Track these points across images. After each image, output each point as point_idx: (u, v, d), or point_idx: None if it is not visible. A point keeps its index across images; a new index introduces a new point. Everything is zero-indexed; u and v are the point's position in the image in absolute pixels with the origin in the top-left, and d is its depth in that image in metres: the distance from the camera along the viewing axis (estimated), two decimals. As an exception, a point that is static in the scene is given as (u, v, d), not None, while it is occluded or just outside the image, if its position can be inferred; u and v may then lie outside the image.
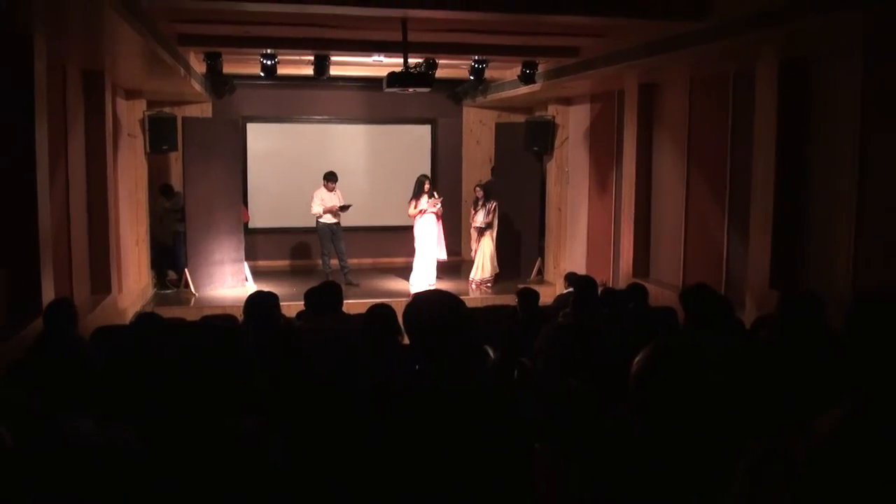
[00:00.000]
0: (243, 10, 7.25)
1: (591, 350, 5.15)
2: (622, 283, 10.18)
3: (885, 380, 1.92)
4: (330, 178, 12.59)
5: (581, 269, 11.94)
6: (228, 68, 10.97)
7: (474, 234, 12.94)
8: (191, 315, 9.54)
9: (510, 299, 9.72)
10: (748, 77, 8.20)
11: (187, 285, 11.95)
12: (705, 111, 9.49)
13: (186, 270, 12.01)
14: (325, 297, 6.08)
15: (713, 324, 4.54)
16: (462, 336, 2.76)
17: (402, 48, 8.94)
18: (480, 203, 12.78)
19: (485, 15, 7.60)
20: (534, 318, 6.89)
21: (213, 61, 10.11)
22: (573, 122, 13.27)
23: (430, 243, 12.51)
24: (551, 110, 13.51)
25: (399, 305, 6.49)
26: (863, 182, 6.92)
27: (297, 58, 10.87)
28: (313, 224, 12.79)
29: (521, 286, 8.15)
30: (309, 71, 10.70)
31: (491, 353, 6.67)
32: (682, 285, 9.14)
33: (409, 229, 12.75)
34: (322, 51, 10.21)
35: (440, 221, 12.61)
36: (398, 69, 9.45)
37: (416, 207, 12.40)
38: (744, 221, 8.33)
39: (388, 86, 9.38)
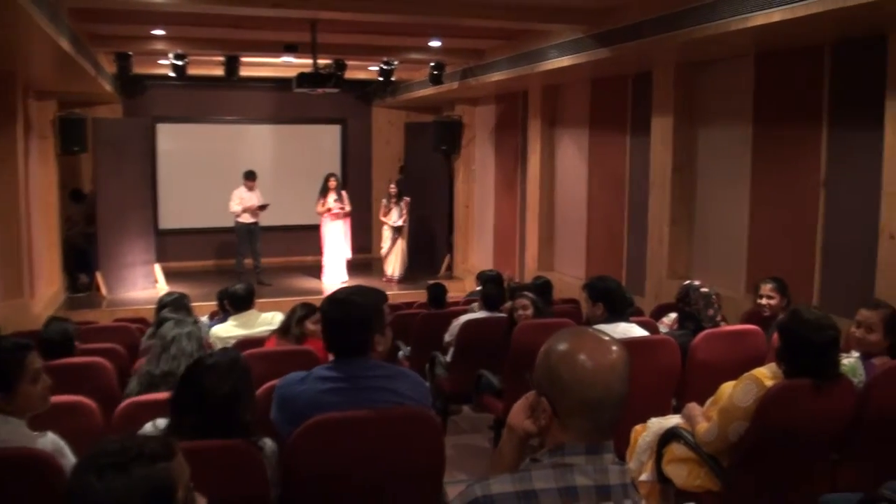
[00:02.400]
0: (154, 10, 7.25)
1: (499, 343, 5.44)
2: (528, 277, 10.52)
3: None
4: (249, 177, 12.57)
5: (489, 264, 12.26)
6: (139, 68, 10.92)
7: (388, 232, 13.05)
8: (103, 318, 9.46)
9: (421, 295, 9.98)
10: (646, 78, 8.61)
11: (99, 288, 11.78)
12: (605, 111, 9.89)
13: (98, 273, 11.84)
14: (237, 297, 6.20)
15: (614, 312, 4.83)
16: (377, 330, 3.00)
17: (312, 49, 9.05)
18: (393, 200, 12.93)
19: (392, 17, 7.78)
20: (443, 312, 7.15)
21: (124, 61, 10.04)
22: (479, 122, 13.60)
23: (337, 242, 12.64)
24: (458, 110, 13.82)
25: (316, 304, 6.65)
26: (755, 174, 7.39)
27: (207, 58, 10.86)
28: (224, 224, 12.79)
29: (430, 281, 8.39)
30: (219, 71, 10.72)
31: (402, 346, 6.87)
32: (585, 277, 9.50)
33: (318, 228, 12.85)
34: (232, 51, 10.24)
35: (348, 220, 12.73)
36: (308, 70, 9.55)
37: (323, 206, 12.48)
38: (643, 215, 8.75)
39: (298, 86, 9.48)
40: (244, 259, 12.74)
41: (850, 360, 3.77)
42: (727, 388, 3.51)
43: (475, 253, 13.72)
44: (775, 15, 5.55)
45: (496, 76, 10.39)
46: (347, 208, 12.59)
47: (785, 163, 7.03)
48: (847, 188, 6.33)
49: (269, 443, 2.89)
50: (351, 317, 2.98)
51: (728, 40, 6.51)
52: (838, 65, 6.42)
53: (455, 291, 11.33)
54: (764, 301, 5.53)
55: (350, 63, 10.96)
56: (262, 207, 12.52)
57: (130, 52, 9.96)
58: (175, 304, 5.69)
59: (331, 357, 3.08)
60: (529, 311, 5.60)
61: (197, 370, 2.84)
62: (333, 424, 2.84)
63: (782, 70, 7.04)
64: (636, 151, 9.15)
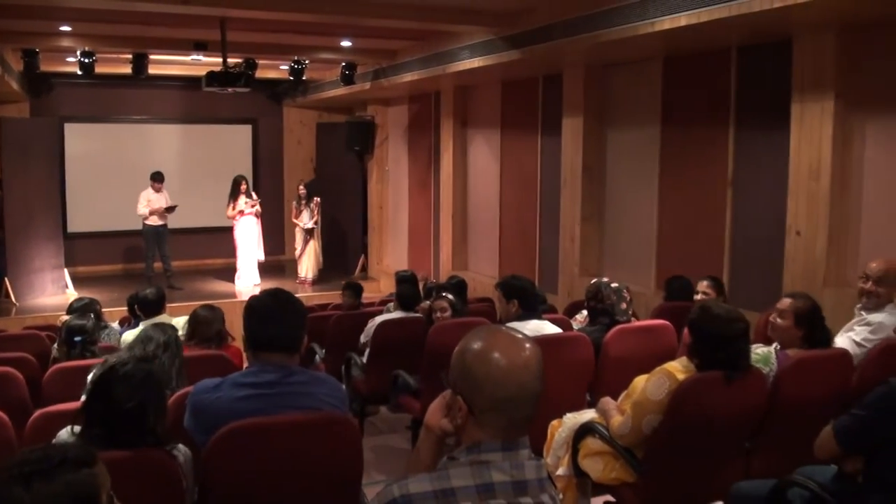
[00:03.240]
0: (61, 5, 7.03)
1: (415, 343, 5.44)
2: (443, 277, 10.56)
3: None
4: (156, 179, 12.28)
5: (403, 265, 12.25)
6: (46, 66, 10.59)
7: (300, 234, 12.94)
8: (13, 326, 9.11)
9: (336, 296, 9.91)
10: (557, 79, 8.73)
11: (8, 295, 11.33)
12: (517, 111, 9.99)
13: (6, 279, 11.39)
14: (147, 302, 6.04)
15: (527, 310, 4.89)
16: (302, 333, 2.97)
17: (222, 47, 8.91)
18: (304, 202, 12.82)
19: (303, 16, 7.72)
20: (359, 313, 7.12)
21: (31, 58, 9.71)
22: (392, 122, 13.59)
23: (250, 244, 12.46)
24: (371, 110, 13.77)
25: (230, 307, 6.54)
26: (663, 173, 7.57)
27: (115, 56, 10.59)
28: (135, 227, 12.48)
29: (345, 280, 8.35)
30: (128, 70, 10.45)
31: (318, 349, 6.80)
32: (498, 276, 9.58)
33: (229, 230, 12.64)
34: (141, 49, 10.01)
35: (260, 222, 12.56)
36: (217, 69, 9.40)
37: (234, 209, 12.30)
38: (554, 213, 8.87)
39: (208, 85, 9.32)
40: (154, 262, 12.44)
41: (763, 349, 3.89)
42: (640, 382, 3.58)
43: (390, 253, 13.71)
44: (682, 19, 5.70)
45: (408, 77, 10.39)
46: (258, 209, 12.41)
47: (693, 162, 7.23)
48: (754, 187, 6.53)
49: (183, 450, 2.83)
50: (288, 308, 2.96)
51: (636, 43, 6.65)
52: (745, 68, 6.63)
53: (370, 292, 11.29)
54: (700, 297, 5.67)
55: (260, 62, 10.83)
56: (170, 209, 12.24)
57: (38, 49, 9.62)
58: (83, 310, 5.51)
59: (246, 363, 3.02)
60: (448, 314, 5.63)
61: (108, 379, 2.76)
62: (249, 431, 2.79)
63: (690, 72, 7.23)
64: (547, 151, 9.27)
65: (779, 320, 3.91)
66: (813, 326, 3.84)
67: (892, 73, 5.41)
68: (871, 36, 5.48)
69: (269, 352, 2.93)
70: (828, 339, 3.91)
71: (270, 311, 2.96)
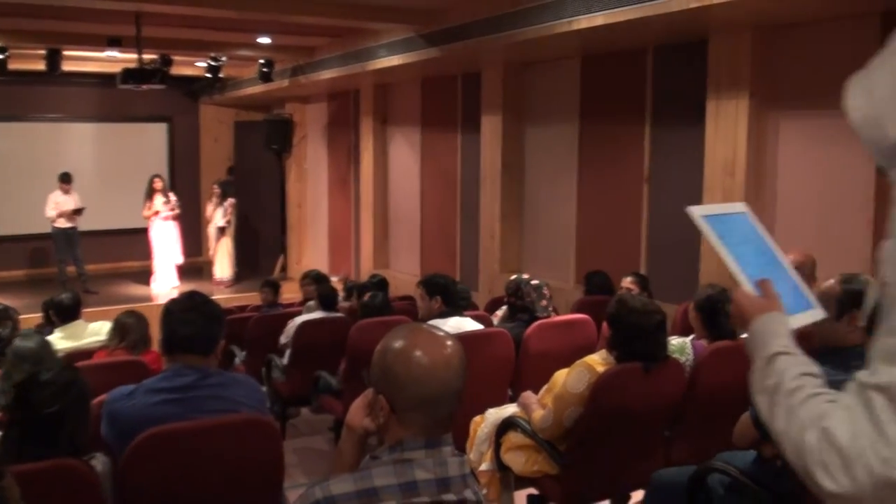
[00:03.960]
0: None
1: (339, 343, 5.40)
2: (364, 276, 10.51)
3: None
4: (64, 180, 11.91)
5: (323, 264, 12.17)
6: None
7: (213, 234, 12.75)
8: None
9: (253, 298, 9.76)
10: (476, 78, 8.77)
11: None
12: (437, 109, 10.01)
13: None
14: (63, 307, 5.85)
15: (448, 306, 4.90)
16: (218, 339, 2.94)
17: (137, 43, 8.72)
18: (217, 201, 12.62)
19: (219, 11, 7.61)
20: (279, 314, 7.03)
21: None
22: (311, 120, 13.47)
23: (166, 246, 12.20)
24: (289, 108, 13.62)
25: (147, 311, 6.39)
26: (582, 170, 7.67)
27: (28, 52, 10.25)
28: (46, 230, 12.07)
29: (264, 279, 8.27)
30: (40, 66, 10.11)
31: (238, 351, 6.70)
32: (420, 274, 9.59)
33: (145, 231, 12.34)
34: (54, 45, 9.70)
35: (177, 223, 12.30)
36: (133, 65, 9.21)
37: (149, 209, 12.02)
38: (475, 211, 8.92)
39: (123, 82, 9.14)
40: (66, 266, 12.08)
41: (678, 340, 3.98)
42: (561, 375, 3.62)
43: (309, 253, 13.58)
44: (598, 19, 5.79)
45: (327, 74, 10.31)
46: (175, 209, 12.15)
47: (611, 159, 7.35)
48: (670, 183, 6.67)
49: (101, 458, 2.76)
50: (203, 310, 2.93)
51: (554, 42, 6.72)
52: (661, 66, 6.76)
53: (290, 293, 11.17)
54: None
55: (176, 59, 10.61)
56: (78, 211, 11.86)
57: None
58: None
59: (164, 367, 2.96)
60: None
61: (29, 384, 2.68)
62: (167, 437, 2.73)
63: (607, 71, 7.35)
64: (467, 149, 9.31)
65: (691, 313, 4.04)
66: (713, 317, 3.93)
67: (805, 72, 5.57)
68: (784, 35, 5.64)
69: (184, 354, 2.88)
70: (733, 330, 4.00)
71: (185, 312, 2.91)
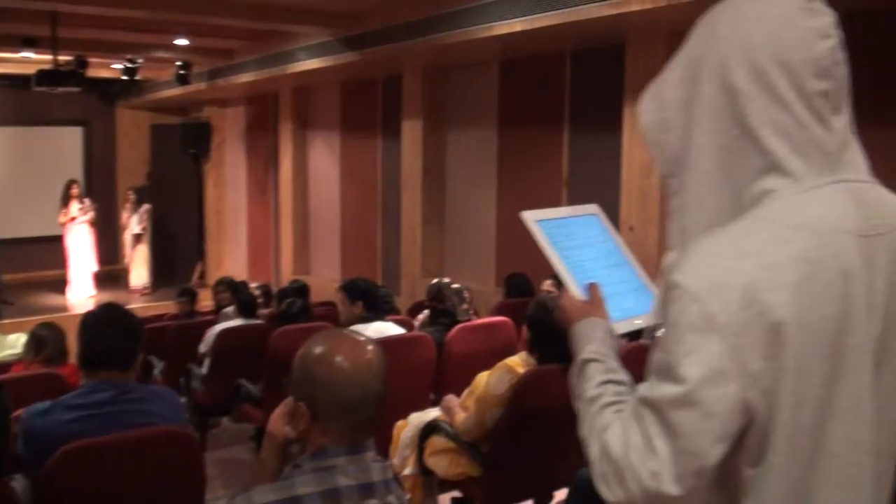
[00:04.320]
0: None
1: (259, 350, 5.33)
2: (284, 281, 10.39)
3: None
4: None
5: (243, 270, 12.02)
6: None
7: (129, 240, 12.47)
8: None
9: (171, 306, 9.56)
10: (396, 82, 8.77)
11: None
12: (357, 114, 9.98)
13: None
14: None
15: (370, 311, 4.90)
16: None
17: (52, 44, 8.50)
18: (132, 208, 12.35)
19: (136, 12, 7.46)
20: (197, 322, 6.90)
21: None
22: (230, 125, 13.28)
23: (82, 253, 11.88)
24: (207, 112, 13.41)
25: (63, 322, 6.20)
26: (501, 175, 7.74)
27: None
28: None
29: (181, 287, 8.11)
30: (-48, 66, 9.78)
31: (156, 361, 6.55)
32: (341, 279, 9.54)
33: (61, 239, 11.98)
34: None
35: (92, 228, 11.99)
36: (48, 67, 8.98)
37: (66, 215, 11.71)
38: (396, 216, 8.92)
39: (38, 84, 8.93)
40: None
41: None
42: (482, 378, 3.65)
43: (229, 259, 13.38)
44: (517, 25, 5.85)
45: (245, 77, 10.18)
46: (91, 215, 11.84)
47: (530, 163, 7.43)
48: (588, 186, 6.77)
49: (20, 479, 2.68)
50: (120, 323, 2.86)
51: (473, 47, 6.77)
52: (579, 71, 6.87)
53: (208, 300, 10.97)
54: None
55: (92, 60, 10.33)
56: None
57: None
58: None
59: (81, 382, 2.89)
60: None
61: None
62: (84, 453, 2.67)
63: (526, 76, 7.43)
64: (388, 154, 9.30)
65: None
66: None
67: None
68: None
69: (102, 369, 2.82)
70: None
71: (102, 326, 2.85)
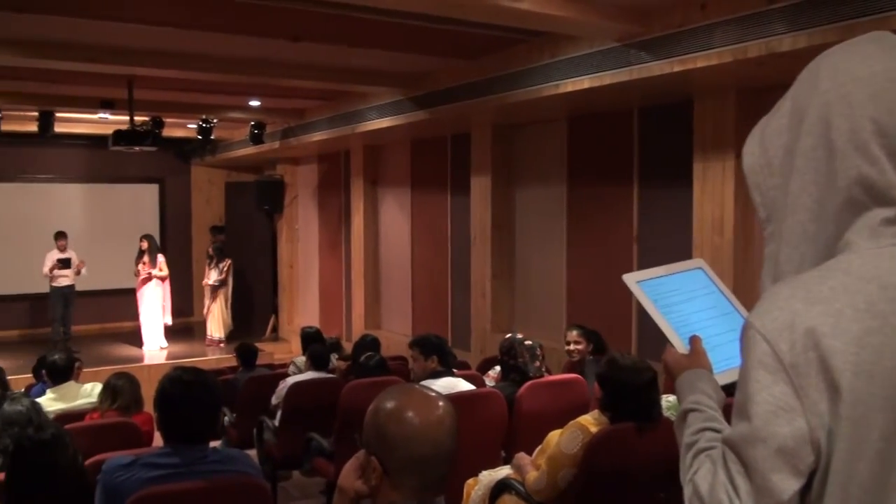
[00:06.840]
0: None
1: (330, 404, 5.37)
2: (355, 336, 10.46)
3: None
4: (60, 237, 11.98)
5: (315, 324, 12.08)
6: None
7: (208, 292, 12.72)
8: None
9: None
10: (465, 139, 8.87)
11: None
12: (426, 170, 10.09)
13: None
14: (56, 368, 5.81)
15: (442, 366, 4.91)
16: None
17: (129, 106, 8.81)
18: (214, 261, 12.63)
19: (210, 75, 7.71)
20: (270, 374, 6.98)
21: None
22: (301, 181, 13.55)
23: (154, 306, 12.14)
24: (280, 170, 13.71)
25: (137, 371, 6.34)
26: (570, 231, 7.73)
27: (21, 114, 10.34)
28: (38, 290, 12.10)
29: (239, 343, 8.01)
30: (33, 127, 10.20)
31: (228, 412, 6.63)
32: (411, 334, 9.56)
33: (134, 292, 12.30)
34: (47, 107, 9.80)
35: (166, 283, 12.28)
36: (124, 127, 9.29)
37: (140, 271, 12.04)
38: (466, 271, 8.94)
39: (114, 144, 9.21)
40: (61, 327, 12.04)
41: (672, 398, 3.96)
42: (554, 436, 3.60)
43: (301, 313, 13.55)
44: (584, 82, 5.89)
45: (317, 136, 10.41)
46: (163, 272, 12.13)
47: (599, 219, 7.41)
48: (659, 242, 6.71)
49: None
50: (200, 398, 2.89)
51: (541, 105, 6.82)
52: (647, 127, 6.86)
53: (282, 353, 11.11)
54: (571, 347, 5.81)
55: (168, 120, 10.69)
56: (65, 262, 11.83)
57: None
58: None
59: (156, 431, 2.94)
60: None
61: (35, 446, 2.63)
62: (163, 499, 2.70)
63: (594, 132, 7.45)
64: (457, 209, 9.37)
65: None
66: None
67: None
68: (768, 98, 5.69)
69: (182, 442, 2.89)
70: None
71: (181, 400, 2.89)
